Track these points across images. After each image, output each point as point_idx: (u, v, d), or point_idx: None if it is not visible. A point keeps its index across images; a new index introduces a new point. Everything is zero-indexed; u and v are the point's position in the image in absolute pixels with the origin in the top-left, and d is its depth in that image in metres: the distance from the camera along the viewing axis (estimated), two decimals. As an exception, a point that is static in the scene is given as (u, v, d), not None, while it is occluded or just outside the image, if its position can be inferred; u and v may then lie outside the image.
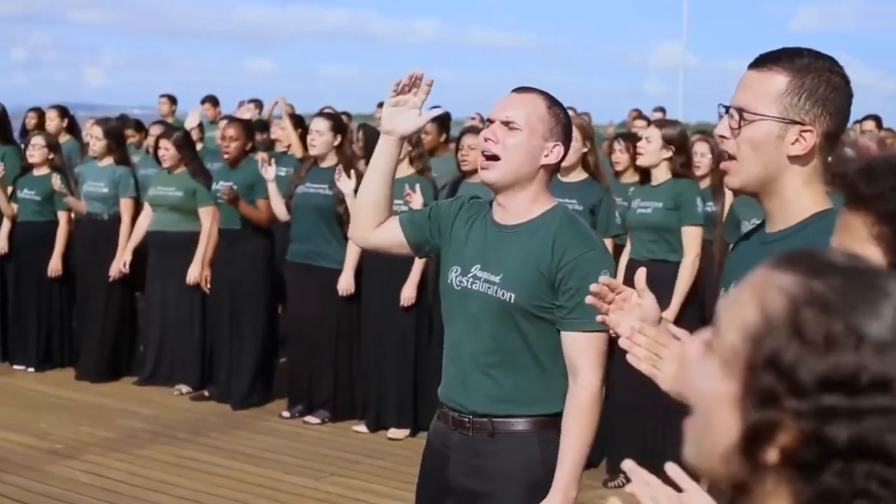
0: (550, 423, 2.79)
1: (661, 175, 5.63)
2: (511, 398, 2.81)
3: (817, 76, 2.11)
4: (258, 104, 12.78)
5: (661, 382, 2.02)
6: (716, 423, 1.02)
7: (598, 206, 5.57)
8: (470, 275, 2.86)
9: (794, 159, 2.12)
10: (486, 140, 2.84)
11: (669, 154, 5.56)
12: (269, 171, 6.63)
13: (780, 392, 0.97)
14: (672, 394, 2.03)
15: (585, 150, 5.74)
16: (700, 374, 1.04)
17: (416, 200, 5.86)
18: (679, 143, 5.62)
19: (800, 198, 2.16)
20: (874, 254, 1.48)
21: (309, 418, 6.73)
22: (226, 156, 7.08)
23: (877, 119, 10.95)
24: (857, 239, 1.51)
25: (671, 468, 1.80)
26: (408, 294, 6.39)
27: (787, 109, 2.10)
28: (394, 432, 6.50)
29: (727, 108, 2.18)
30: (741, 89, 2.16)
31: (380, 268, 6.41)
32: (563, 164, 5.49)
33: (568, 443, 2.74)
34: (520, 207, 2.85)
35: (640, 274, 2.22)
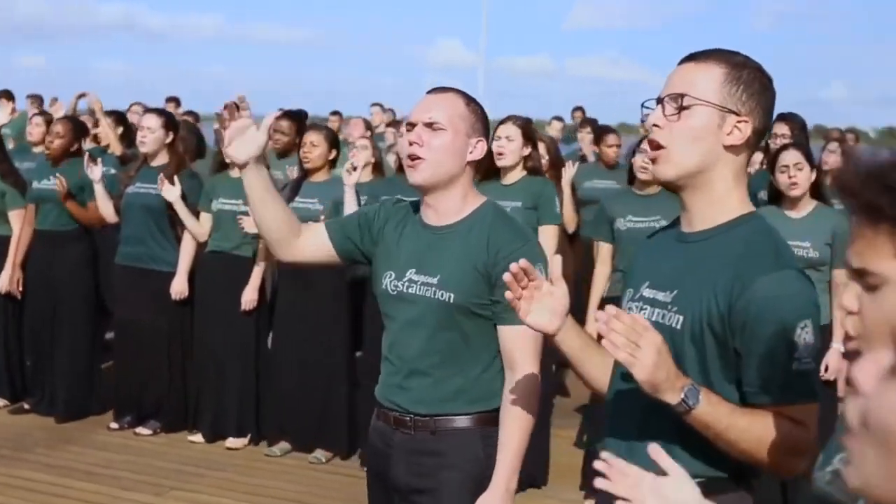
0: (492, 419, 2.79)
1: (515, 173, 5.50)
2: (453, 397, 2.82)
3: (752, 72, 2.18)
4: (38, 99, 12.28)
5: (637, 372, 1.93)
6: None
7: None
8: (405, 279, 2.85)
9: (728, 149, 2.15)
10: (410, 143, 2.82)
11: (528, 151, 5.47)
12: (95, 171, 6.27)
13: None
14: (646, 385, 1.95)
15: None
16: (874, 308, 1.00)
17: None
18: (533, 140, 5.53)
19: (729, 196, 2.18)
20: None
21: (140, 429, 6.41)
22: (47, 152, 6.68)
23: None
24: (883, 255, 1.43)
25: (654, 450, 1.73)
26: (249, 297, 6.18)
27: (727, 99, 2.14)
28: (232, 441, 6.27)
29: (659, 99, 2.18)
30: (677, 79, 2.18)
31: (217, 270, 6.18)
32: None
33: (507, 435, 2.74)
34: (450, 207, 2.86)
35: (556, 262, 2.25)
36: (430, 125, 2.82)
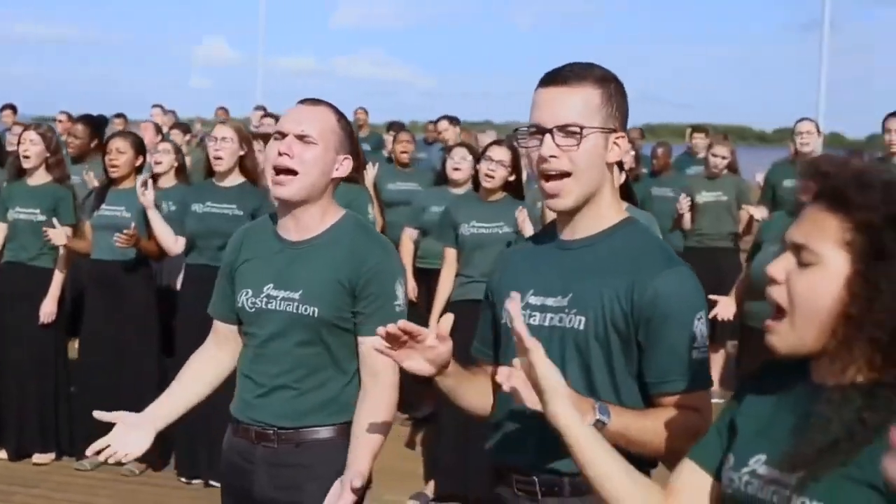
0: None
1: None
2: (317, 409, 2.79)
3: (615, 85, 2.28)
4: None
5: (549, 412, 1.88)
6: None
7: (258, 211, 5.34)
8: (263, 295, 2.81)
9: (609, 166, 2.29)
10: (280, 154, 2.75)
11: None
12: None
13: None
14: (555, 418, 1.87)
15: (242, 153, 5.65)
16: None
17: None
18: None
19: (611, 207, 2.32)
20: (838, 257, 1.56)
21: (-60, 451, 6.10)
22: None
23: (452, 119, 10.38)
24: (825, 238, 1.57)
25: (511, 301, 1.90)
26: (48, 310, 5.99)
27: (606, 119, 2.25)
28: (38, 457, 6.07)
29: (547, 130, 2.22)
30: (558, 107, 2.22)
31: (13, 282, 5.97)
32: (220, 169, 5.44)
33: (360, 428, 2.71)
34: (312, 221, 2.82)
35: (447, 321, 2.21)
36: (301, 138, 2.77)
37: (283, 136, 2.79)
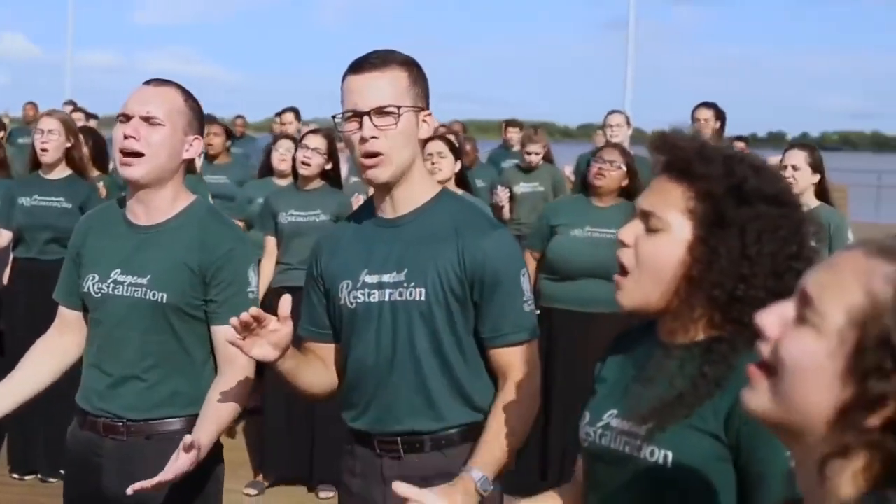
0: None
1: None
2: (168, 401, 2.73)
3: (417, 67, 2.48)
4: None
5: None
6: (811, 387, 1.11)
7: (86, 203, 5.36)
8: (110, 280, 2.75)
9: (420, 143, 2.50)
10: (125, 137, 2.69)
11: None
12: None
13: (890, 368, 1.08)
14: None
15: (69, 145, 5.59)
16: (794, 343, 1.13)
17: None
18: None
19: (423, 180, 2.52)
20: (682, 223, 1.70)
21: None
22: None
23: (297, 112, 10.81)
24: (670, 206, 1.72)
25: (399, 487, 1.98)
26: None
27: (416, 99, 2.45)
28: None
29: (364, 113, 2.39)
30: (374, 91, 2.40)
31: None
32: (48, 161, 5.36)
33: (208, 403, 2.67)
34: (161, 205, 2.77)
35: (285, 302, 2.29)
36: (147, 119, 2.70)
37: (129, 118, 2.71)
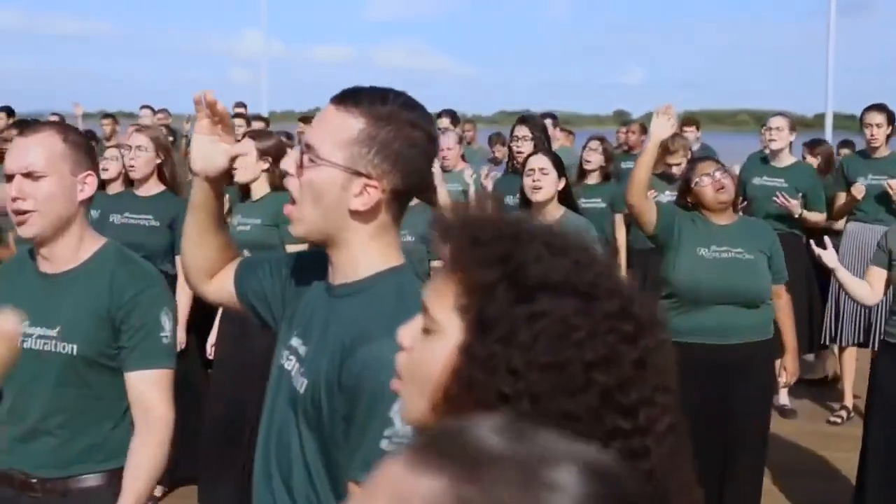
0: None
1: (260, 189, 5.28)
2: (83, 456, 2.65)
3: (395, 130, 1.90)
4: None
5: None
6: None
7: (176, 221, 5.22)
8: None
9: (355, 214, 1.91)
10: (14, 199, 2.61)
11: (266, 166, 5.21)
12: None
13: None
14: None
15: (159, 161, 5.53)
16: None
17: None
18: (276, 155, 5.16)
19: (367, 253, 1.95)
20: (454, 323, 1.27)
21: None
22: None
23: (451, 114, 10.34)
24: (445, 304, 1.29)
25: None
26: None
27: (356, 159, 1.89)
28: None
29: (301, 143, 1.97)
30: (317, 124, 1.95)
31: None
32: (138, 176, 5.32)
33: (135, 463, 2.60)
34: (66, 252, 2.68)
35: (209, 92, 2.10)
36: (29, 175, 2.60)
37: (11, 177, 2.61)
